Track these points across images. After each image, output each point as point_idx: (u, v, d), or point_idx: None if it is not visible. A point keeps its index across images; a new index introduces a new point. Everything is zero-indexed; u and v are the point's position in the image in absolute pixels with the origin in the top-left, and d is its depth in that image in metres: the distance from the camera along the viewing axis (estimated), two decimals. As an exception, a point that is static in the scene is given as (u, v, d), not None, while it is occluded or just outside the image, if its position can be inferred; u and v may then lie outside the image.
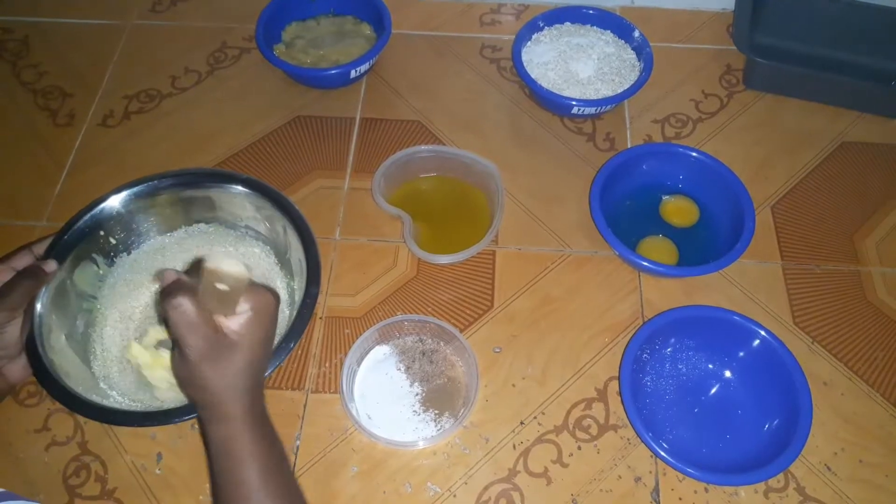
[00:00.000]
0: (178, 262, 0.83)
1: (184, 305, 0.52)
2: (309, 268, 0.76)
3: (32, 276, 0.69)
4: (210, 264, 0.52)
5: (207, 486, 0.70)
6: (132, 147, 0.93)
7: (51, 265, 0.71)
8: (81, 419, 0.74)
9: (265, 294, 0.56)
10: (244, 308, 0.55)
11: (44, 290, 0.72)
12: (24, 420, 0.74)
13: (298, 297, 0.76)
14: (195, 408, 0.58)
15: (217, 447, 0.55)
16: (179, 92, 0.99)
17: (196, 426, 0.73)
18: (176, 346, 0.54)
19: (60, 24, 1.07)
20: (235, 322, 0.54)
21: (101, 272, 0.79)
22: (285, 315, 0.78)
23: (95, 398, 0.70)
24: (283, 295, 0.80)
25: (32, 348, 0.69)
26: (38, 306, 0.71)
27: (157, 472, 0.71)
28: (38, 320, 0.71)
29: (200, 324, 0.52)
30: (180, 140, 0.94)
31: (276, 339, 0.73)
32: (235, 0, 1.09)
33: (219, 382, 0.53)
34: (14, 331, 0.68)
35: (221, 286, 0.53)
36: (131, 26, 1.06)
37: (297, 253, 0.78)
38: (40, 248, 0.73)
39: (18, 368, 0.70)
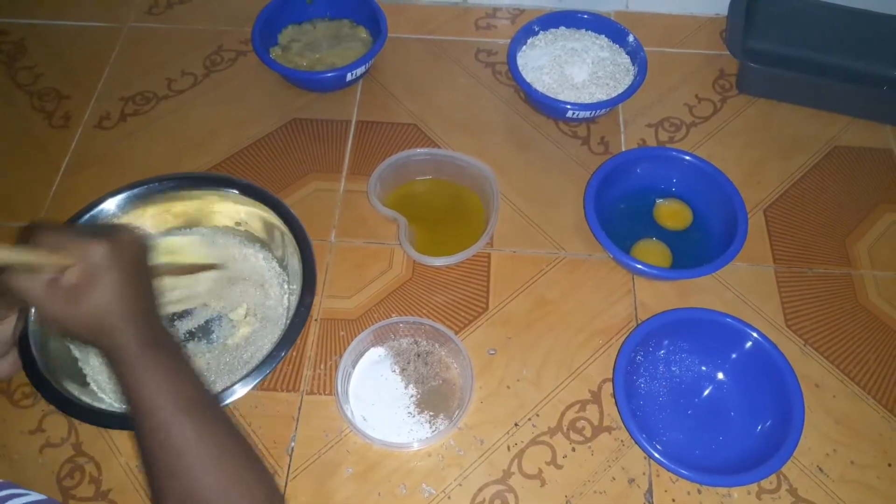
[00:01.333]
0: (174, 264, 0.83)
1: (14, 281, 0.51)
2: (305, 276, 0.76)
3: None
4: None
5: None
6: (128, 149, 0.93)
7: None
8: (76, 420, 0.74)
9: (101, 243, 0.52)
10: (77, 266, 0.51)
11: None
12: (19, 421, 0.74)
13: (294, 303, 0.76)
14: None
15: (120, 380, 0.52)
16: (175, 94, 0.99)
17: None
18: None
19: (57, 26, 1.07)
20: (72, 273, 0.51)
21: None
22: (282, 319, 0.78)
23: (87, 399, 0.70)
24: (282, 299, 0.80)
25: (26, 347, 0.70)
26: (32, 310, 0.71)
27: (152, 473, 0.71)
28: (33, 319, 0.71)
29: (32, 279, 0.50)
30: (176, 142, 0.94)
31: (269, 346, 0.74)
32: (232, 3, 1.09)
33: (86, 318, 0.51)
34: (7, 329, 0.68)
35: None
36: (128, 29, 1.07)
37: (293, 259, 0.79)
38: None
39: (7, 364, 0.70)
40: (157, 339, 0.54)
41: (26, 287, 0.51)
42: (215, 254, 0.83)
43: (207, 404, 0.54)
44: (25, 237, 0.52)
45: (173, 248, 0.80)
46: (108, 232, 0.54)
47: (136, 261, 0.55)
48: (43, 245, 0.50)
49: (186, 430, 0.51)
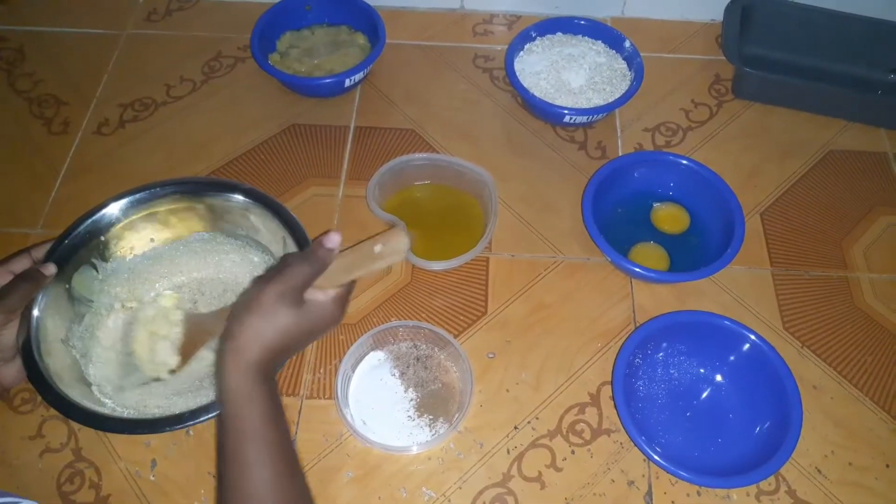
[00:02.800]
0: (176, 270, 0.83)
1: (321, 257, 0.57)
2: None
3: (30, 280, 0.70)
4: (397, 232, 0.57)
5: (202, 491, 0.70)
6: (127, 155, 0.94)
7: (49, 269, 0.71)
8: (75, 426, 0.74)
9: (342, 304, 0.61)
10: (332, 294, 0.59)
11: (41, 294, 0.72)
12: (18, 427, 0.74)
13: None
14: (221, 341, 0.58)
15: (227, 382, 0.55)
16: (174, 101, 0.99)
17: (191, 433, 0.73)
18: (274, 272, 0.57)
19: (56, 33, 1.08)
20: (318, 295, 0.58)
21: (99, 277, 0.79)
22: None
23: (89, 404, 0.70)
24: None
25: (28, 352, 0.70)
26: (36, 310, 0.71)
27: (152, 478, 0.71)
28: (35, 324, 0.71)
29: (306, 273, 0.57)
30: (175, 148, 0.94)
31: None
32: (230, 9, 1.10)
33: (260, 322, 0.55)
34: (10, 334, 0.68)
35: (378, 249, 0.58)
36: (126, 35, 1.07)
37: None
38: (39, 252, 0.74)
39: (13, 371, 0.70)
40: (273, 380, 0.58)
41: (304, 269, 0.57)
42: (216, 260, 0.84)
43: (289, 444, 0.57)
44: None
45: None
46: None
47: (323, 328, 0.61)
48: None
49: (267, 468, 0.54)
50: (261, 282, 0.57)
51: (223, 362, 0.56)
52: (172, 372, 0.70)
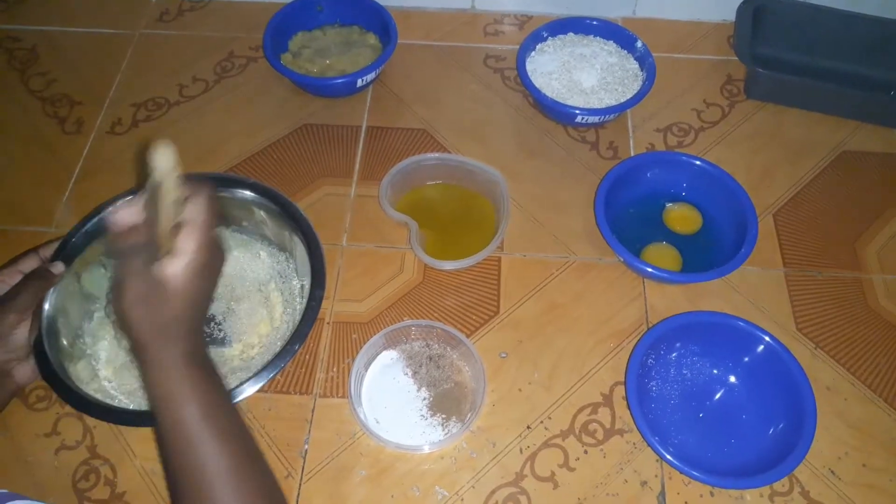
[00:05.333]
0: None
1: (133, 257, 0.51)
2: (313, 271, 0.77)
3: (40, 279, 0.70)
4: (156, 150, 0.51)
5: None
6: (140, 154, 0.94)
7: (58, 267, 0.72)
8: (91, 423, 0.74)
9: (209, 240, 0.53)
10: (186, 249, 0.52)
11: (51, 292, 0.72)
12: (34, 424, 0.75)
13: (304, 299, 0.76)
14: (133, 357, 0.54)
15: (152, 390, 0.52)
16: (187, 100, 1.00)
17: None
18: (113, 284, 0.53)
19: (69, 33, 1.08)
20: (173, 266, 0.51)
21: (108, 275, 0.80)
22: (294, 316, 0.79)
23: (102, 399, 0.71)
24: (296, 298, 0.81)
25: (40, 350, 0.70)
26: (46, 308, 0.72)
27: (166, 475, 0.71)
28: (46, 322, 0.72)
29: (140, 270, 0.51)
30: (188, 148, 0.95)
31: (282, 343, 0.74)
32: (242, 10, 1.10)
33: (149, 327, 0.51)
34: (23, 333, 0.69)
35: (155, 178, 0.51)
36: (139, 35, 1.08)
37: (302, 257, 0.79)
38: (48, 251, 0.74)
39: (27, 370, 0.70)
40: (200, 360, 0.54)
41: (135, 270, 0.51)
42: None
43: (236, 425, 0.55)
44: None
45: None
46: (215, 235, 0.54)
47: (213, 266, 0.55)
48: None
49: (224, 458, 0.52)
50: (116, 299, 0.52)
51: (143, 376, 0.53)
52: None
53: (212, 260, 0.54)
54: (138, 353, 0.53)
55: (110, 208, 0.79)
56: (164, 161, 0.51)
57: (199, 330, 0.55)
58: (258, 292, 0.82)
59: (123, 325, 0.52)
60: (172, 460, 0.52)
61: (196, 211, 0.53)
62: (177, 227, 0.52)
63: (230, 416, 0.54)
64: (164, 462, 0.54)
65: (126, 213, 0.52)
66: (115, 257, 0.53)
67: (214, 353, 0.78)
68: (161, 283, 0.51)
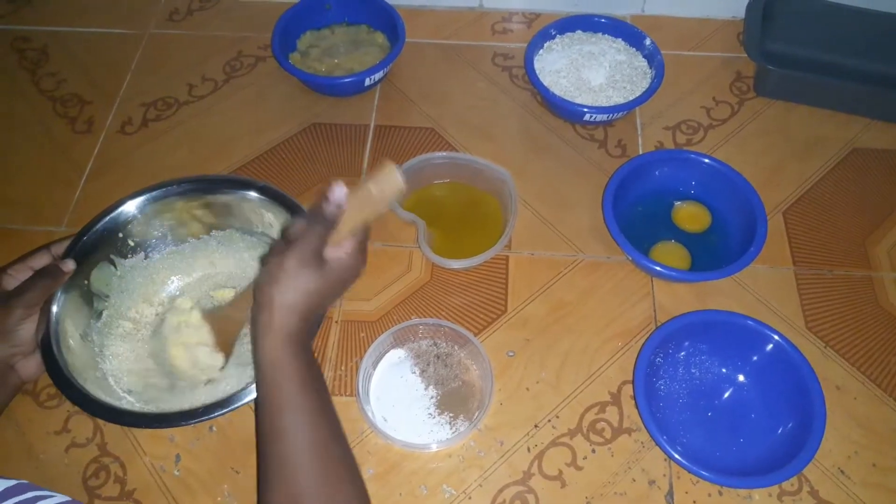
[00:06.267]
0: (193, 266, 0.84)
1: (316, 224, 0.57)
2: None
3: (50, 275, 0.71)
4: (386, 167, 0.57)
5: (225, 487, 0.71)
6: (150, 154, 0.95)
7: (68, 265, 0.72)
8: (101, 421, 0.75)
9: (362, 258, 0.61)
10: (351, 251, 0.59)
11: (60, 289, 0.73)
12: (45, 422, 0.75)
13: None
14: (254, 317, 0.58)
15: (262, 353, 0.56)
16: (196, 100, 1.00)
17: (214, 428, 0.74)
18: (286, 240, 0.58)
19: (79, 33, 1.09)
20: (338, 253, 0.59)
21: (118, 273, 0.80)
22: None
23: (108, 399, 0.71)
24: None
25: (47, 347, 0.71)
26: (55, 305, 0.72)
27: (176, 473, 0.72)
28: (54, 319, 0.72)
29: (320, 233, 0.57)
30: (197, 147, 0.95)
31: None
32: (251, 9, 1.10)
33: (289, 294, 0.56)
34: (30, 328, 0.69)
35: (374, 189, 0.57)
36: (149, 35, 1.08)
37: None
38: (59, 249, 0.75)
39: (32, 365, 0.71)
40: (308, 346, 0.60)
41: (315, 234, 0.58)
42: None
43: (330, 415, 0.59)
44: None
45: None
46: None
47: (349, 279, 0.62)
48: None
49: (311, 430, 0.56)
50: (279, 252, 0.57)
51: (257, 338, 0.57)
52: (222, 369, 0.72)
53: (354, 274, 0.61)
54: (263, 312, 0.56)
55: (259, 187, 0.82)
56: (398, 183, 0.57)
57: (316, 323, 0.62)
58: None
59: (270, 278, 0.57)
60: (264, 424, 0.56)
61: (366, 231, 0.61)
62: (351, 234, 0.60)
63: (323, 397, 0.58)
64: (257, 427, 0.58)
65: (344, 192, 0.58)
66: (303, 218, 0.58)
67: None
68: (320, 262, 0.57)
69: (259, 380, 0.57)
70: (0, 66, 1.05)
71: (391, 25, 1.00)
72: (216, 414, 0.67)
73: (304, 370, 0.57)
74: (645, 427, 0.70)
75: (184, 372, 0.75)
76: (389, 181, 0.57)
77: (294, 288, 0.56)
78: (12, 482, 0.46)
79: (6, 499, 0.44)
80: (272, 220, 0.83)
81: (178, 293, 0.83)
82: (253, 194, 0.81)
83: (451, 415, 0.74)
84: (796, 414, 0.70)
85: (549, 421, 0.74)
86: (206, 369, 0.74)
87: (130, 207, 0.80)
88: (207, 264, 0.85)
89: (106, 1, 1.12)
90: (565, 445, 0.73)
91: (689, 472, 0.67)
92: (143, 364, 0.77)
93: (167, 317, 0.79)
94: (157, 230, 0.82)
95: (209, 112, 0.99)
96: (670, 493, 0.70)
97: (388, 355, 0.78)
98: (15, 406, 0.75)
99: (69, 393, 0.69)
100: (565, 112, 0.95)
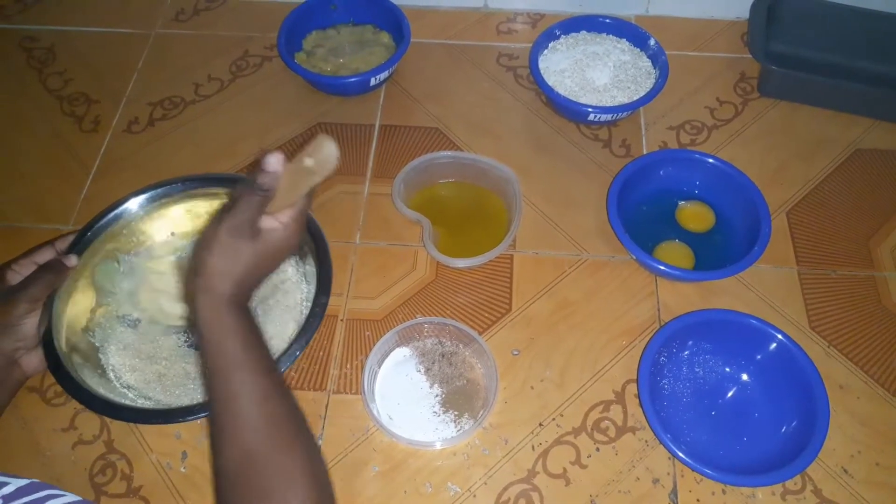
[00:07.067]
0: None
1: (252, 193, 0.56)
2: (320, 277, 0.77)
3: (53, 270, 0.71)
4: (322, 141, 0.56)
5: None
6: (156, 152, 0.95)
7: (72, 260, 0.73)
8: (108, 418, 0.75)
9: (300, 229, 0.61)
10: (287, 222, 0.59)
11: (64, 284, 0.73)
12: (52, 419, 0.76)
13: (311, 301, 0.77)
14: (190, 282, 0.58)
15: (203, 316, 0.56)
16: (202, 99, 1.01)
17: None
18: (223, 207, 0.58)
19: (86, 33, 1.10)
20: (273, 223, 0.59)
21: (121, 270, 0.81)
22: (300, 318, 0.79)
23: (109, 395, 0.71)
24: (304, 299, 0.82)
25: (49, 341, 0.71)
26: (58, 300, 0.73)
27: (182, 470, 0.72)
28: (57, 314, 0.73)
29: (254, 203, 0.57)
30: (203, 146, 0.96)
31: (285, 344, 0.75)
32: (257, 9, 1.11)
33: (224, 260, 0.56)
34: (33, 322, 0.70)
35: (309, 162, 0.56)
36: (155, 35, 1.09)
37: (311, 260, 0.80)
38: (62, 244, 0.75)
39: (34, 359, 0.71)
40: (247, 309, 0.60)
41: (253, 203, 0.57)
42: None
43: (272, 365, 0.59)
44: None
45: None
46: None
47: (285, 252, 0.62)
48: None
49: (258, 387, 0.56)
50: (215, 220, 0.57)
51: (194, 302, 0.57)
52: (188, 321, 0.74)
53: (289, 245, 0.61)
54: (200, 278, 0.57)
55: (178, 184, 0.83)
56: (332, 156, 0.56)
57: (253, 290, 0.61)
58: (264, 293, 0.83)
59: (205, 245, 0.57)
60: (210, 385, 0.56)
61: (305, 203, 0.60)
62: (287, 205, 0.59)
63: (265, 355, 0.58)
64: (206, 392, 0.58)
65: (279, 161, 0.57)
66: (241, 184, 0.58)
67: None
68: (254, 232, 0.58)
69: (201, 342, 0.57)
70: (8, 66, 1.06)
71: (397, 25, 1.00)
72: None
73: (244, 331, 0.57)
74: (649, 425, 0.70)
75: (151, 316, 0.78)
76: (325, 153, 0.56)
77: (226, 255, 0.57)
78: (25, 481, 0.46)
79: (19, 497, 0.44)
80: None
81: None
82: None
83: (455, 413, 0.74)
84: (800, 413, 0.71)
85: (554, 419, 0.75)
86: (168, 317, 0.77)
87: (134, 205, 0.81)
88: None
89: (113, 1, 1.13)
90: (570, 444, 0.73)
91: (693, 470, 0.68)
92: (144, 359, 0.78)
93: (145, 263, 0.82)
94: (160, 227, 0.83)
95: (215, 111, 0.99)
96: (674, 492, 0.70)
97: (393, 354, 0.78)
98: (22, 403, 0.76)
99: (67, 386, 0.69)
100: (570, 112, 0.95)
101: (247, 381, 0.55)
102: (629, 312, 0.81)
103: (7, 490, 0.44)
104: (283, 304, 0.81)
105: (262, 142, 0.95)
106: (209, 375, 0.56)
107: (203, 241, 0.57)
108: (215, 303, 0.56)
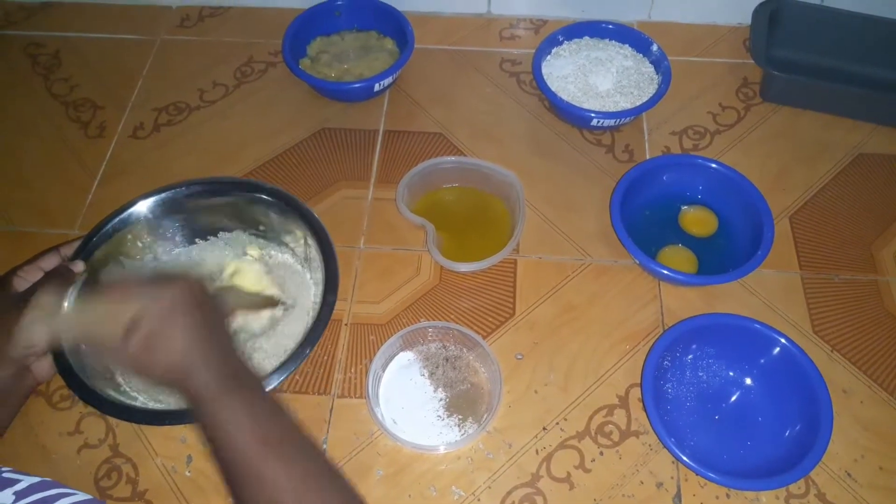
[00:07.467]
0: (201, 267, 0.85)
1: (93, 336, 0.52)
2: (327, 276, 0.77)
3: (61, 276, 0.71)
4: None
5: (236, 488, 0.71)
6: (161, 158, 0.96)
7: (79, 266, 0.73)
8: (113, 422, 0.76)
9: (167, 289, 0.53)
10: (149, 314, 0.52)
11: (71, 290, 0.74)
12: (57, 423, 0.76)
13: (319, 304, 0.77)
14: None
15: (201, 424, 0.52)
16: (207, 105, 1.01)
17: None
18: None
19: (91, 39, 1.10)
20: (146, 322, 0.52)
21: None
22: (306, 321, 0.80)
23: (119, 398, 0.72)
24: (309, 301, 0.82)
25: (59, 350, 0.71)
26: (66, 306, 0.73)
27: (188, 474, 0.72)
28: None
29: (110, 334, 0.52)
30: (208, 151, 0.96)
31: (293, 344, 0.75)
32: (261, 15, 1.11)
33: (165, 365, 0.52)
34: (42, 329, 0.70)
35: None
36: (160, 41, 1.09)
37: (317, 261, 0.80)
38: (68, 250, 0.76)
39: (46, 366, 0.71)
40: (237, 378, 0.54)
41: (104, 342, 0.52)
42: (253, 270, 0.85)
43: (298, 443, 0.53)
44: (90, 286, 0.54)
45: (235, 271, 0.83)
46: (171, 276, 0.54)
47: (204, 301, 0.55)
48: (110, 298, 0.51)
49: (279, 474, 0.50)
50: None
51: (194, 416, 0.53)
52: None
53: (182, 294, 0.54)
54: (177, 391, 0.53)
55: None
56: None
57: (217, 354, 0.54)
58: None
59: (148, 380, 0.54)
60: (243, 495, 0.51)
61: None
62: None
63: (289, 433, 0.53)
64: (234, 497, 0.52)
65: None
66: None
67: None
68: (148, 337, 0.51)
69: (214, 452, 0.52)
70: (14, 72, 1.07)
71: (400, 31, 1.01)
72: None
73: (252, 420, 0.51)
74: (653, 430, 0.70)
75: None
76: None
77: (161, 361, 0.52)
78: (36, 479, 0.47)
79: (31, 494, 0.45)
80: (279, 223, 0.84)
81: None
82: (260, 196, 0.82)
83: (459, 417, 0.74)
84: (803, 417, 0.71)
85: (558, 423, 0.75)
86: None
87: (141, 208, 0.82)
88: (215, 265, 0.85)
89: (118, 7, 1.14)
90: (573, 448, 0.73)
91: (697, 474, 0.68)
92: None
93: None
94: (167, 231, 0.83)
95: (220, 117, 1.00)
96: (678, 496, 0.70)
97: (397, 358, 0.78)
98: (28, 407, 0.76)
99: (79, 392, 0.70)
100: (573, 117, 0.95)
101: (279, 478, 0.50)
102: (632, 317, 0.82)
103: (20, 486, 0.45)
104: (289, 307, 0.82)
105: (266, 147, 0.96)
106: (236, 485, 0.51)
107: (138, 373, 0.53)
108: (207, 406, 0.52)
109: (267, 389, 0.58)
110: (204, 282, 0.57)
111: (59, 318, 0.52)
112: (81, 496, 0.48)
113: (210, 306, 0.56)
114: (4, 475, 0.46)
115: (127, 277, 0.55)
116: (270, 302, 0.79)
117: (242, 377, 0.55)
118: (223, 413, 0.51)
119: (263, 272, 0.82)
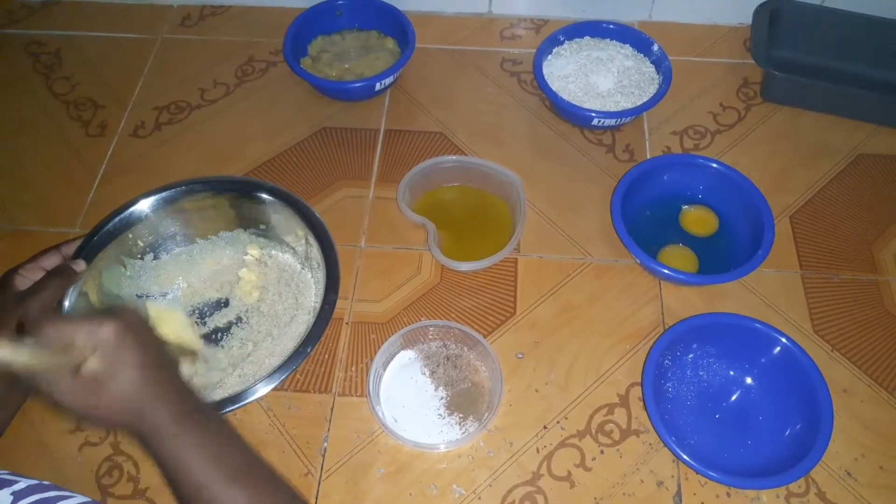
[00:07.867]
0: (202, 266, 0.85)
1: (36, 382, 0.48)
2: (328, 275, 0.78)
3: (62, 276, 0.71)
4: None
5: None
6: (162, 157, 0.96)
7: (80, 265, 0.73)
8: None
9: (110, 324, 0.49)
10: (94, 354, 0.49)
11: (72, 289, 0.74)
12: (59, 421, 0.76)
13: (319, 303, 0.77)
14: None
15: (161, 463, 0.50)
16: (208, 104, 1.01)
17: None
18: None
19: (92, 38, 1.10)
20: (91, 363, 0.48)
21: (127, 273, 0.81)
22: (307, 319, 0.80)
23: None
24: (310, 300, 0.82)
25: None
26: (66, 305, 0.73)
27: (188, 472, 0.72)
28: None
29: (54, 378, 0.48)
30: (209, 150, 0.96)
31: (295, 343, 0.75)
32: (263, 15, 1.12)
33: (115, 405, 0.49)
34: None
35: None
36: (162, 40, 1.09)
37: (318, 260, 0.80)
38: (69, 249, 0.76)
39: None
40: (190, 411, 0.52)
41: (49, 387, 0.48)
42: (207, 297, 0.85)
43: (256, 470, 0.52)
44: (31, 328, 0.51)
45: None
46: (112, 313, 0.51)
47: (148, 336, 0.53)
48: (50, 338, 0.48)
49: (240, 502, 0.49)
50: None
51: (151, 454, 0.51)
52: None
53: (126, 331, 0.50)
54: (137, 436, 0.50)
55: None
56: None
57: (167, 389, 0.51)
58: (272, 294, 0.83)
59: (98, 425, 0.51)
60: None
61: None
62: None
63: (252, 462, 0.53)
64: None
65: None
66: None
67: (231, 348, 0.79)
68: (94, 378, 0.48)
69: (175, 487, 0.50)
70: (15, 70, 1.07)
71: (401, 31, 1.01)
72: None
73: (214, 448, 0.51)
74: (653, 428, 0.70)
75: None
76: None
77: (110, 407, 0.49)
78: (34, 481, 0.47)
79: (29, 495, 0.45)
80: (279, 221, 0.84)
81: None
82: (261, 195, 0.82)
83: (460, 415, 0.74)
84: (803, 416, 0.71)
85: (558, 422, 0.75)
86: None
87: (142, 207, 0.82)
88: (215, 264, 0.85)
89: (119, 6, 1.14)
90: (574, 446, 0.73)
91: (698, 473, 0.68)
92: None
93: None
94: (167, 230, 0.83)
95: (221, 116, 1.00)
96: (678, 494, 0.71)
97: (398, 356, 0.78)
98: (29, 405, 0.76)
99: None
100: (574, 117, 0.96)
101: (241, 501, 0.50)
102: (633, 316, 0.82)
103: (18, 487, 0.45)
104: (291, 305, 0.82)
105: (267, 146, 0.96)
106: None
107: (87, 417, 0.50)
108: (165, 435, 0.50)
109: (220, 416, 0.57)
110: (141, 314, 0.53)
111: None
112: (81, 499, 0.47)
113: (154, 339, 0.53)
114: (2, 476, 0.46)
115: (63, 317, 0.52)
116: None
117: (196, 408, 0.53)
118: (185, 449, 0.50)
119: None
